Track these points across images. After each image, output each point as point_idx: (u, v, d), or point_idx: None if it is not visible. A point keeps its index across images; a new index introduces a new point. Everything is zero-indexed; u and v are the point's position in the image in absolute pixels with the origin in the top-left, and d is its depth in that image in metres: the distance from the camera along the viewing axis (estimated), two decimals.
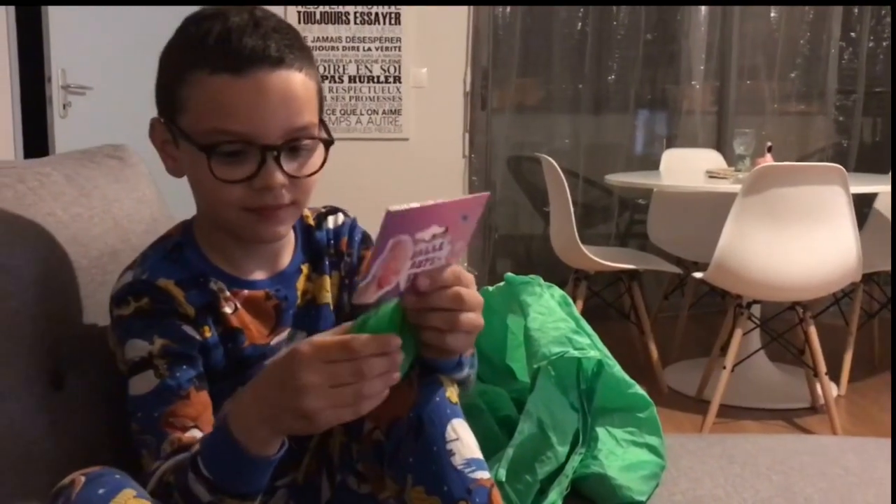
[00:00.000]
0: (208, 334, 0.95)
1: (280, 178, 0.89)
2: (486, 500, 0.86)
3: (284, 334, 1.01)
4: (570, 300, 1.28)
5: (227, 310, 0.96)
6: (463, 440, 0.88)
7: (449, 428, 0.88)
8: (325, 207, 1.09)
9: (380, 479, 0.93)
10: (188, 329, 0.93)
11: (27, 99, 3.43)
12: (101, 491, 0.76)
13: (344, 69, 3.96)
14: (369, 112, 4.00)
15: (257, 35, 0.87)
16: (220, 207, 0.91)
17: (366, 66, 3.98)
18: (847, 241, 2.57)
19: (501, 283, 1.30)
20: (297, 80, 0.89)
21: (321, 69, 3.96)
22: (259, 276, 1.00)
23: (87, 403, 1.03)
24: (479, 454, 0.89)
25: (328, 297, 1.05)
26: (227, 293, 0.97)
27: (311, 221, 1.06)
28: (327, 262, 1.05)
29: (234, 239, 0.97)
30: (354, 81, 3.97)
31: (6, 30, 3.30)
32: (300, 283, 1.02)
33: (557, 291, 1.28)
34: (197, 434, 0.91)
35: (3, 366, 0.94)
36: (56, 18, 3.26)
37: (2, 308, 0.95)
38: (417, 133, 4.03)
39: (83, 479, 0.77)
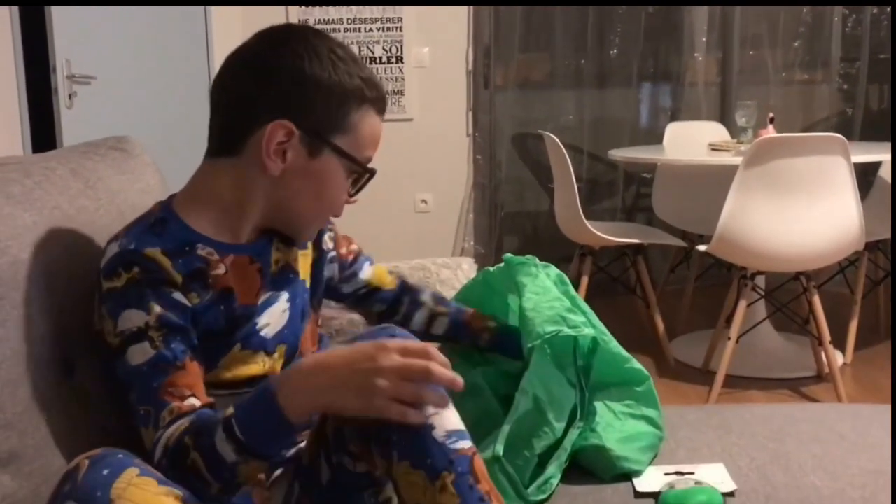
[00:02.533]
0: (196, 301, 1.01)
1: None
2: (468, 468, 0.90)
3: (268, 295, 1.09)
4: (567, 279, 1.31)
5: (219, 271, 1.04)
6: (442, 414, 0.91)
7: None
8: None
9: (371, 458, 0.96)
10: (178, 296, 0.99)
11: (33, 90, 3.45)
12: (105, 472, 0.80)
13: None
14: None
15: None
16: (318, 210, 1.09)
17: (367, 48, 3.98)
18: (849, 210, 2.58)
19: (501, 265, 1.33)
20: None
21: None
22: (245, 238, 1.08)
23: (98, 389, 1.07)
24: (459, 426, 0.93)
25: (298, 267, 1.14)
26: (217, 256, 1.04)
27: None
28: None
29: (256, 215, 1.07)
30: None
31: (10, 21, 3.32)
32: (273, 251, 1.11)
33: (554, 271, 1.30)
34: (195, 402, 0.96)
35: (15, 355, 0.97)
36: (59, 8, 3.28)
37: (12, 299, 0.99)
38: (421, 113, 4.05)
39: (87, 462, 0.81)
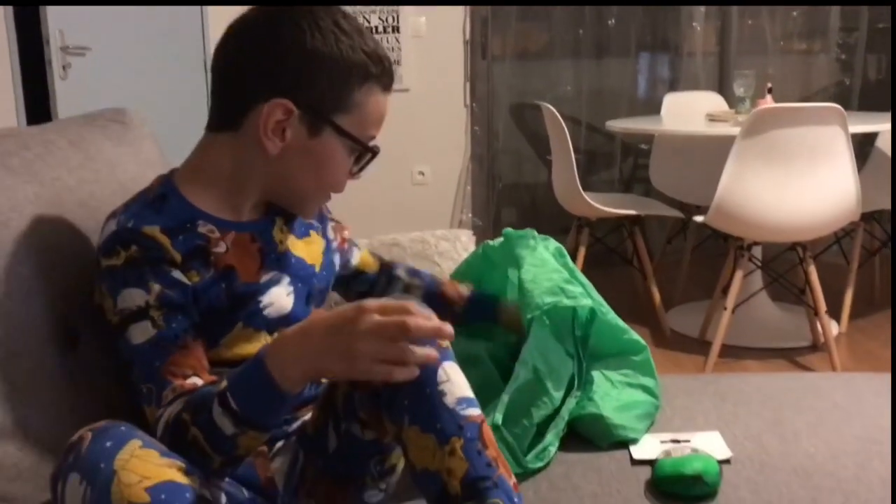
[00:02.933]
0: (196, 279, 1.00)
1: None
2: (477, 434, 0.92)
3: (271, 275, 1.08)
4: (565, 252, 1.31)
5: (220, 249, 1.03)
6: (453, 381, 0.93)
7: (440, 371, 0.93)
8: None
9: (380, 424, 0.98)
10: (178, 275, 0.99)
11: (27, 62, 3.43)
12: (108, 444, 0.81)
13: None
14: None
15: None
16: (318, 186, 1.07)
17: (364, 17, 3.95)
18: (846, 180, 2.58)
19: (501, 239, 1.34)
20: None
21: None
22: (246, 217, 1.08)
23: (102, 362, 1.08)
24: (469, 393, 0.94)
25: (304, 254, 1.14)
26: (218, 233, 1.03)
27: None
28: (295, 223, 1.15)
29: (255, 192, 1.06)
30: None
31: None
32: (275, 232, 1.11)
33: (552, 244, 1.31)
34: (198, 381, 0.96)
35: (18, 327, 0.98)
36: None
37: (16, 273, 0.99)
38: (418, 83, 4.02)
39: (90, 434, 0.82)
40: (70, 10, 3.33)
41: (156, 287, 0.97)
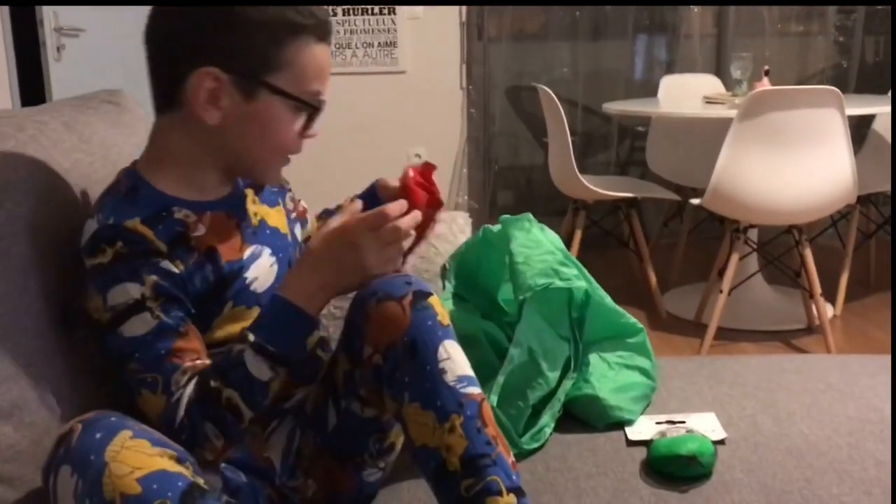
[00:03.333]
0: (181, 267, 1.00)
1: None
2: (477, 412, 0.93)
3: (252, 249, 1.07)
4: (560, 241, 1.31)
5: (200, 232, 1.02)
6: (454, 359, 0.94)
7: (441, 349, 0.94)
8: None
9: (380, 401, 0.99)
10: (167, 265, 0.98)
11: (21, 43, 3.41)
12: (98, 436, 0.80)
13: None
14: (364, 45, 3.97)
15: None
16: (269, 152, 1.04)
17: None
18: (842, 163, 2.58)
19: (499, 226, 1.34)
20: None
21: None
22: (215, 196, 1.06)
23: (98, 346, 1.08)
24: (469, 372, 0.95)
25: (277, 223, 1.14)
26: (194, 216, 1.02)
27: None
28: (265, 193, 1.15)
29: (213, 168, 1.05)
30: (348, 14, 3.93)
31: None
32: (249, 205, 1.10)
33: (546, 228, 1.31)
34: (206, 361, 0.97)
35: (14, 309, 0.98)
36: None
37: (12, 254, 0.99)
38: (414, 65, 4.01)
39: (80, 426, 0.81)
40: None
41: (150, 279, 0.95)
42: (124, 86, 1.45)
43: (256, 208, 1.11)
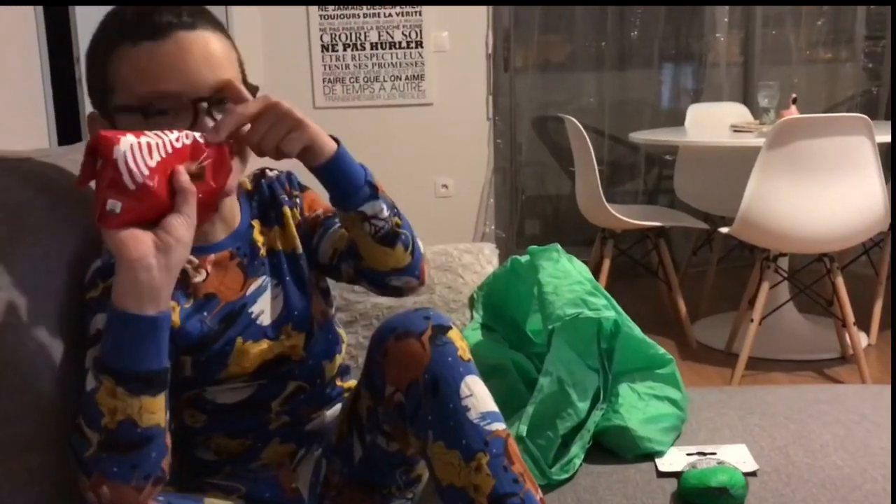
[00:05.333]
0: (178, 309, 0.99)
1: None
2: (503, 450, 0.92)
3: (256, 283, 1.06)
4: (588, 271, 1.31)
5: (199, 279, 1.02)
6: (477, 395, 0.93)
7: (463, 385, 0.93)
8: (255, 171, 1.15)
9: (404, 438, 0.98)
10: None
11: (57, 80, 3.50)
12: None
13: (365, 36, 3.98)
14: (392, 78, 4.02)
15: (169, 9, 0.95)
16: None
17: (387, 33, 3.98)
18: (874, 190, 2.56)
19: (527, 257, 1.35)
20: (214, 40, 0.96)
21: (342, 37, 3.98)
22: (220, 237, 1.06)
23: None
24: (493, 407, 0.94)
25: (287, 244, 1.10)
26: (196, 261, 1.03)
27: (249, 185, 1.13)
28: (273, 215, 1.12)
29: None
30: (376, 48, 3.99)
31: (33, 13, 3.36)
32: (256, 236, 1.09)
33: (575, 259, 1.31)
34: None
35: (49, 341, 0.99)
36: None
37: (50, 289, 1.01)
38: (441, 97, 4.05)
39: None
40: None
41: None
42: None
43: (263, 237, 1.10)
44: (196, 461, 1.08)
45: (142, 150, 0.83)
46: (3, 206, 0.99)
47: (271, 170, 1.16)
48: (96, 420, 0.84)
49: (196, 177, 0.87)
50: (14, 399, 0.92)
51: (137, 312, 0.84)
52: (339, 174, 0.98)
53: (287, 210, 1.12)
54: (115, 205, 0.83)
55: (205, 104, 0.93)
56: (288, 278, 1.09)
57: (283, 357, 1.06)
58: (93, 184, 0.86)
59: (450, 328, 0.96)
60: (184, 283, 1.01)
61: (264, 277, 1.07)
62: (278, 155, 0.94)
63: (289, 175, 1.17)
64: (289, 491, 1.06)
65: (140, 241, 0.84)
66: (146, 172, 0.83)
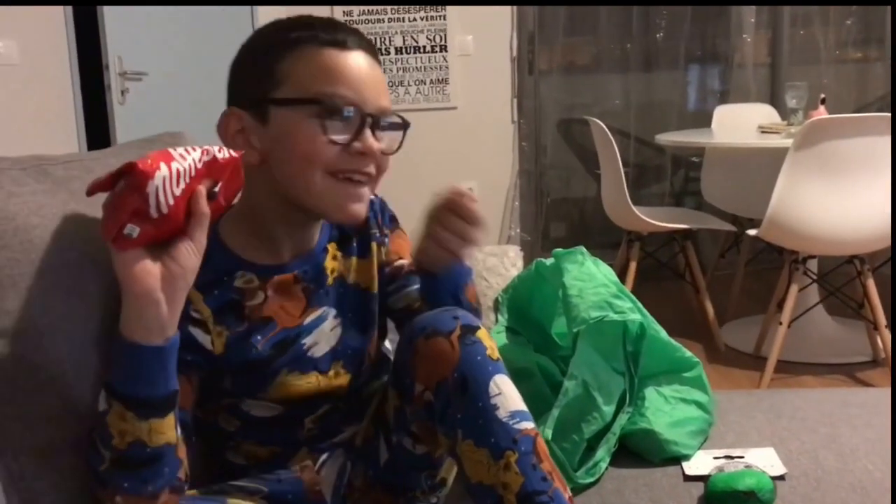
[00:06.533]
0: (226, 333, 0.99)
1: (376, 144, 0.97)
2: (532, 448, 0.91)
3: (318, 313, 1.05)
4: (613, 274, 1.30)
5: (257, 300, 1.00)
6: (506, 394, 0.93)
7: (492, 383, 0.93)
8: None
9: (433, 437, 0.98)
10: (196, 332, 0.97)
11: (87, 87, 3.55)
12: None
13: (390, 41, 3.99)
14: (417, 83, 4.03)
15: (352, 29, 1.00)
16: (310, 172, 0.95)
17: (412, 37, 4.00)
18: None
19: (552, 260, 1.34)
20: (380, 71, 1.01)
21: None
22: (288, 257, 1.03)
23: None
24: (522, 406, 0.94)
25: (360, 278, 1.09)
26: (257, 282, 1.01)
27: None
28: (355, 244, 1.10)
29: (283, 221, 1.01)
30: (401, 53, 4.00)
31: (64, 20, 3.41)
32: (327, 262, 1.06)
33: (600, 262, 1.31)
34: None
35: (81, 346, 1.01)
36: (111, 7, 3.37)
37: (82, 293, 1.03)
38: (465, 101, 4.05)
39: None
40: (128, 37, 3.45)
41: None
42: (186, 128, 1.50)
43: (336, 264, 1.07)
44: (226, 463, 1.09)
45: (171, 182, 0.82)
46: (39, 208, 1.01)
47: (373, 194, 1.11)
48: (107, 440, 0.86)
49: (209, 196, 0.87)
50: (50, 401, 0.94)
51: (145, 343, 0.84)
52: (443, 283, 1.05)
53: (374, 246, 1.10)
54: (133, 230, 0.82)
55: (371, 120, 0.96)
56: (350, 315, 1.07)
57: (327, 393, 1.05)
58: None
59: (478, 328, 0.96)
60: (237, 306, 0.99)
61: (327, 308, 1.05)
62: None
63: (382, 204, 1.15)
64: (312, 493, 1.07)
65: (149, 274, 0.82)
66: (172, 203, 0.82)
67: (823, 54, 4.15)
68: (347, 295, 1.08)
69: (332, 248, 1.08)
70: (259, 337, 1.00)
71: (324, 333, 1.05)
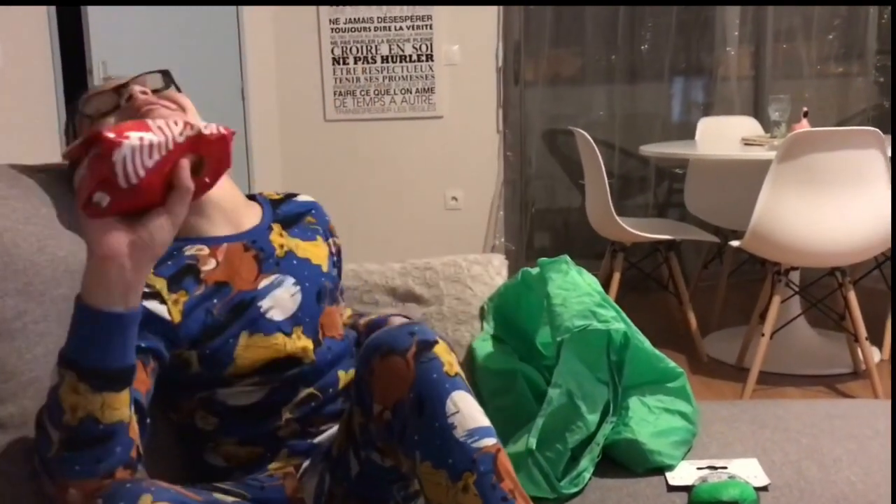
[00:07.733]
0: (184, 298, 1.02)
1: None
2: (491, 467, 0.89)
3: (271, 279, 1.10)
4: (598, 284, 1.30)
5: (210, 266, 1.06)
6: (463, 412, 0.90)
7: (449, 402, 0.90)
8: (287, 192, 1.25)
9: (397, 455, 0.97)
10: (152, 304, 1.00)
11: (70, 92, 3.52)
12: None
13: (377, 49, 3.99)
14: (403, 91, 4.03)
15: None
16: None
17: (398, 46, 4.00)
18: (885, 204, 2.54)
19: (538, 268, 1.34)
20: None
21: (353, 50, 4.00)
22: (233, 231, 1.11)
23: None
24: (482, 422, 0.91)
25: (309, 255, 1.16)
26: (207, 250, 1.07)
27: (277, 196, 1.22)
28: (296, 229, 1.19)
29: (217, 202, 1.10)
30: (387, 61, 4.00)
31: (47, 24, 3.39)
32: (273, 238, 1.14)
33: (584, 271, 1.31)
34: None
35: (55, 348, 0.99)
36: (95, 9, 3.35)
37: (52, 296, 1.01)
38: (451, 110, 4.06)
39: (100, 501, 0.80)
40: (113, 41, 3.43)
41: None
42: None
43: (284, 241, 1.15)
44: (205, 466, 1.07)
45: (142, 153, 0.80)
46: (11, 212, 1.00)
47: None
48: (58, 417, 0.83)
49: (193, 171, 0.84)
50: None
51: (105, 309, 0.82)
52: None
53: (319, 238, 1.21)
54: (102, 198, 0.79)
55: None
56: (308, 284, 1.13)
57: (293, 358, 1.06)
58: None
59: (435, 342, 0.94)
60: (193, 270, 1.04)
61: (280, 275, 1.11)
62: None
63: (319, 206, 1.28)
64: (294, 500, 1.06)
65: (117, 241, 0.80)
66: (141, 174, 0.79)
67: (806, 68, 4.20)
68: (302, 267, 1.14)
69: (276, 227, 1.16)
70: (215, 300, 1.04)
71: (281, 298, 1.09)
